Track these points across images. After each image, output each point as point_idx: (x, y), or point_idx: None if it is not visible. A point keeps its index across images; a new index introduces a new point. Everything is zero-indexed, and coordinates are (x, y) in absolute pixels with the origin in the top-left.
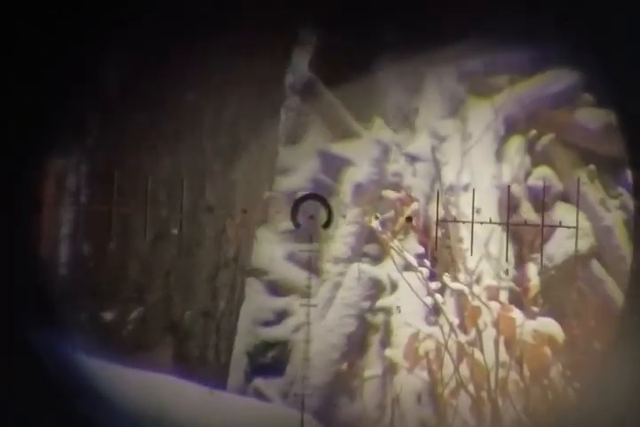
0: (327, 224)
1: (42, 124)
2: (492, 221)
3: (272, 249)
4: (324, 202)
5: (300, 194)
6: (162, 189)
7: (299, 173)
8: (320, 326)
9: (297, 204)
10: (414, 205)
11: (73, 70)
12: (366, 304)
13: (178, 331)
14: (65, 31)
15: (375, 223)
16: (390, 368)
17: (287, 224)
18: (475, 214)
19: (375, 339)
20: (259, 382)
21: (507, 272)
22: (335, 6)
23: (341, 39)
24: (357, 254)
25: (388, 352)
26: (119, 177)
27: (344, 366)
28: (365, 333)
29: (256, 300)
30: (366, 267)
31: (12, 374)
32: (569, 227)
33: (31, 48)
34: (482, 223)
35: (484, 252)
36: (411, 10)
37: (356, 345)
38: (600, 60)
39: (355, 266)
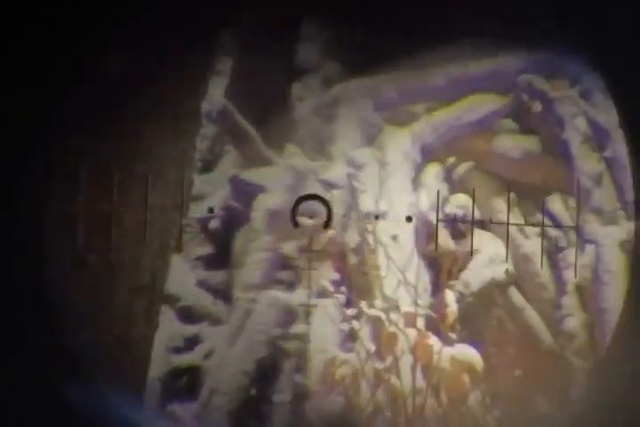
0: (327, 224)
1: (42, 125)
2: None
3: (185, 276)
4: (324, 202)
5: (301, 194)
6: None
7: (211, 200)
8: (230, 353)
9: (297, 204)
10: (330, 233)
11: (73, 70)
12: (278, 331)
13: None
14: (65, 31)
15: (291, 250)
16: (302, 394)
17: (200, 250)
18: (392, 241)
19: (288, 365)
20: (173, 406)
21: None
22: (249, 34)
23: (257, 67)
24: (270, 281)
25: (299, 378)
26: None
27: (253, 391)
28: (277, 359)
29: (168, 327)
30: (279, 294)
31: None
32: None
33: (31, 48)
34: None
35: (401, 278)
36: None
37: (267, 371)
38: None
39: (266, 293)
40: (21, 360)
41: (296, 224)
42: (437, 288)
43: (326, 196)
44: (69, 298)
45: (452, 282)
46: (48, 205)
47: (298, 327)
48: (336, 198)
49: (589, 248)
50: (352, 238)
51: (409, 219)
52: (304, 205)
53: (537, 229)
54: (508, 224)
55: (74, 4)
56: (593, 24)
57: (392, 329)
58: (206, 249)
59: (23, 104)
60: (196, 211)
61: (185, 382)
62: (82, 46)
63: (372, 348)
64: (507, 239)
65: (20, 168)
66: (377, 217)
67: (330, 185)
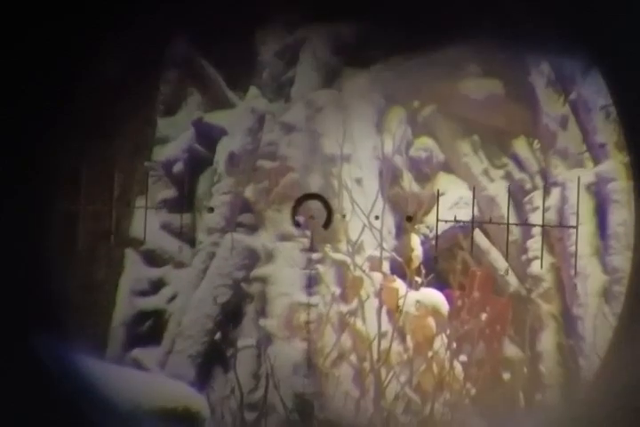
0: (327, 224)
1: (42, 126)
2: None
3: (149, 219)
4: (324, 202)
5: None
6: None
7: (175, 143)
8: (194, 296)
9: (297, 204)
10: (291, 176)
11: (73, 70)
12: (241, 274)
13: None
14: (65, 31)
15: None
16: (265, 338)
17: (164, 194)
18: (355, 184)
19: (251, 309)
20: (137, 351)
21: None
22: None
23: (223, 13)
24: (231, 224)
25: (263, 322)
26: None
27: (218, 335)
28: (240, 302)
29: (133, 270)
30: (241, 237)
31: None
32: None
33: (31, 48)
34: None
35: (366, 222)
36: None
37: (231, 315)
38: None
39: (229, 236)
40: None
41: (297, 224)
42: (402, 232)
43: (286, 139)
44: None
45: (416, 226)
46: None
47: (261, 270)
48: (295, 141)
49: (555, 191)
50: (316, 182)
51: (409, 219)
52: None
53: (501, 172)
54: (507, 224)
55: (73, 4)
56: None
57: (357, 273)
58: (170, 192)
59: (23, 104)
60: (160, 154)
61: (149, 327)
62: (82, 46)
63: (337, 291)
64: (506, 239)
65: (20, 168)
66: (377, 217)
67: (289, 128)
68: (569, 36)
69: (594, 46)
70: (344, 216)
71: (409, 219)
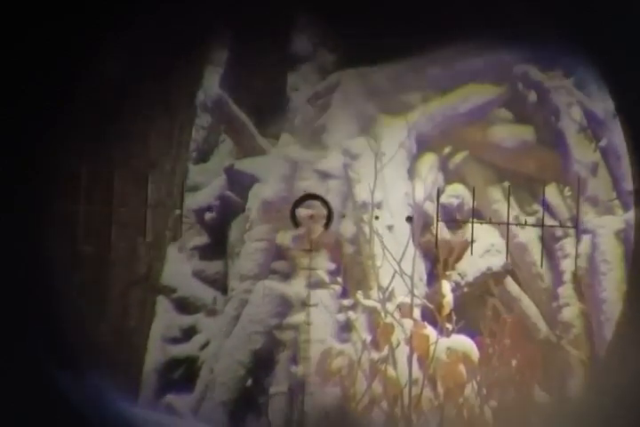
0: (327, 224)
1: (43, 124)
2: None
3: (181, 267)
4: (324, 202)
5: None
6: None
7: (206, 191)
8: (227, 343)
9: (296, 204)
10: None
11: (73, 70)
12: (274, 321)
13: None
14: (65, 32)
15: (287, 240)
16: (298, 385)
17: (196, 241)
18: (387, 231)
19: (284, 356)
20: (170, 397)
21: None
22: (244, 23)
23: (253, 57)
24: (265, 271)
25: (295, 369)
26: None
27: (249, 382)
28: (273, 350)
29: (165, 317)
30: (274, 284)
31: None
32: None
33: (31, 48)
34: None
35: (397, 268)
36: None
37: (263, 362)
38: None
39: (261, 283)
40: (19, 352)
41: (296, 224)
42: (433, 278)
43: (323, 186)
44: (68, 291)
45: (447, 272)
46: (48, 205)
47: (294, 318)
48: (332, 189)
49: (585, 238)
50: (348, 228)
51: (409, 219)
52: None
53: (532, 219)
54: (507, 224)
55: (73, 3)
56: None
57: (388, 320)
58: (202, 239)
59: (23, 104)
60: (192, 201)
61: (181, 374)
62: (82, 46)
63: (368, 338)
64: (507, 239)
65: (19, 168)
66: (377, 217)
67: (325, 175)
68: (569, 37)
69: (594, 47)
70: (344, 216)
71: (409, 219)
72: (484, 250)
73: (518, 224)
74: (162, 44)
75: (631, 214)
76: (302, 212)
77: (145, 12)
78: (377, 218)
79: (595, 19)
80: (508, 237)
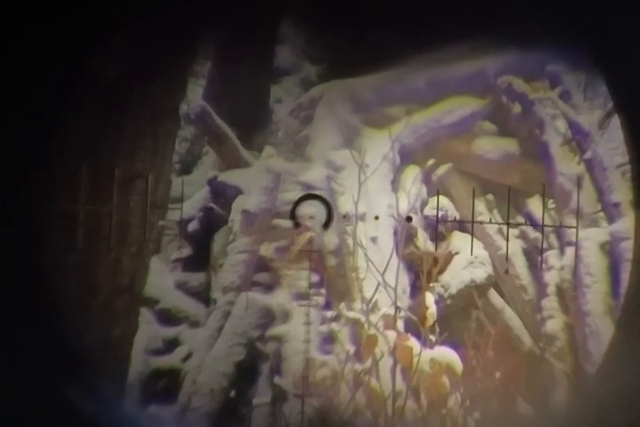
0: (327, 224)
1: (42, 125)
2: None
3: (164, 278)
4: (324, 202)
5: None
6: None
7: (190, 202)
8: (209, 355)
9: (296, 204)
10: (308, 235)
11: (73, 70)
12: (256, 333)
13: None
14: (64, 32)
15: (269, 252)
16: (280, 396)
17: (179, 252)
18: (371, 243)
19: (266, 367)
20: (153, 408)
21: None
22: (228, 36)
23: (236, 69)
24: (247, 283)
25: (278, 380)
26: None
27: (232, 393)
28: (256, 361)
29: (148, 329)
30: (256, 295)
31: None
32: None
33: (31, 49)
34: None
35: (380, 280)
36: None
37: (246, 373)
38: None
39: (244, 295)
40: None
41: (297, 224)
42: (417, 290)
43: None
44: (66, 297)
45: (431, 284)
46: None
47: (276, 329)
48: (315, 201)
49: (569, 250)
50: (331, 240)
51: (409, 219)
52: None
53: (516, 231)
54: (508, 224)
55: (67, 7)
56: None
57: (371, 331)
58: (185, 251)
59: (23, 105)
60: (175, 213)
61: (164, 384)
62: (78, 47)
63: (352, 350)
64: (507, 240)
65: (20, 168)
66: (377, 217)
67: (308, 187)
68: (569, 37)
69: (595, 49)
70: (344, 217)
71: (409, 219)
72: (468, 262)
73: (519, 224)
74: (145, 56)
75: (616, 226)
76: (283, 223)
77: (128, 25)
78: (377, 218)
79: (595, 18)
80: (508, 241)
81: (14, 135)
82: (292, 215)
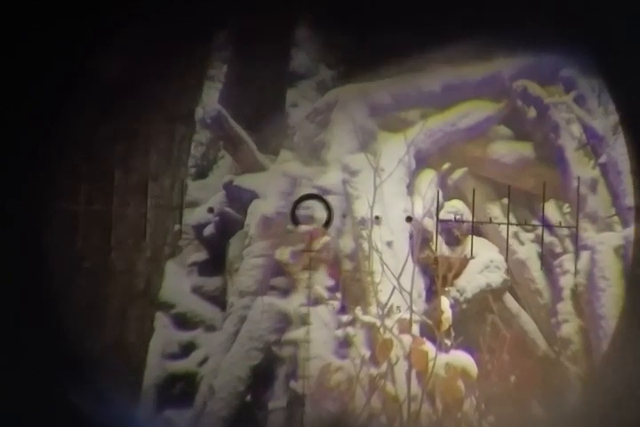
0: (327, 224)
1: (42, 125)
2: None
3: (180, 282)
4: (324, 202)
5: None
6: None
7: (205, 206)
8: (225, 359)
9: (296, 204)
10: (325, 239)
11: (73, 70)
12: (273, 337)
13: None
14: (65, 32)
15: (285, 256)
16: (296, 400)
17: (195, 256)
18: (386, 247)
19: (282, 371)
20: (169, 412)
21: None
22: (243, 40)
23: (252, 73)
24: (264, 287)
25: (294, 384)
26: None
27: (248, 397)
28: (272, 365)
29: (164, 333)
30: (273, 300)
31: None
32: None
33: (32, 49)
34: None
35: (396, 285)
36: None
37: (262, 377)
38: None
39: (260, 299)
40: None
41: (297, 223)
42: (432, 294)
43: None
44: (68, 303)
45: (446, 288)
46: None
47: (293, 334)
48: (331, 205)
49: (585, 254)
50: (347, 244)
51: (409, 219)
52: (301, 211)
53: (531, 235)
54: (508, 224)
55: (72, 6)
56: (593, 27)
57: (387, 335)
58: (201, 255)
59: (23, 105)
60: (191, 217)
61: (180, 389)
62: (84, 47)
63: (367, 354)
64: (506, 240)
65: (20, 168)
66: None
67: (324, 191)
68: (569, 37)
69: (595, 50)
70: (344, 216)
71: (409, 219)
72: (484, 266)
73: (519, 224)
74: (161, 60)
75: (630, 230)
76: (300, 227)
77: (143, 28)
78: (377, 218)
79: (600, 27)
80: (507, 241)
81: (14, 135)
82: (293, 216)
